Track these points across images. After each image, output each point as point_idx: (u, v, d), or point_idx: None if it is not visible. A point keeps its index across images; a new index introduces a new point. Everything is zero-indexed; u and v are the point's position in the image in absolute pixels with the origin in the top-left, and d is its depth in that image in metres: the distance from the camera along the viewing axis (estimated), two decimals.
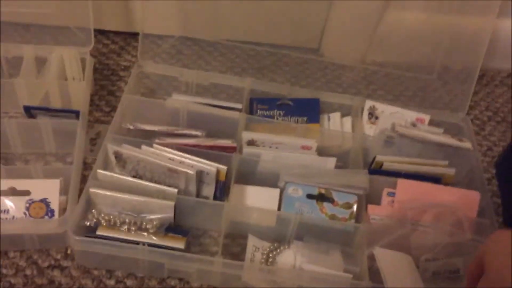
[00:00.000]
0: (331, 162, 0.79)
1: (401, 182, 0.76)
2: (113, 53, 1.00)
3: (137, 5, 0.98)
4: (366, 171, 0.76)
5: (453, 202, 0.74)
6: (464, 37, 0.96)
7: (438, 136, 0.83)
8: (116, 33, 1.03)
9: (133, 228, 0.69)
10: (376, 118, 0.89)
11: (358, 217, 0.74)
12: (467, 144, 0.83)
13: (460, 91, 0.96)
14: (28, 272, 0.68)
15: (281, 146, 0.81)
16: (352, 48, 1.04)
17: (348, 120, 0.90)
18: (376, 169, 0.80)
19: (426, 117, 0.88)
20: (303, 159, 0.78)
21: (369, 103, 0.90)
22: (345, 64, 1.02)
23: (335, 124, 0.89)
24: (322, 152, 0.82)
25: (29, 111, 0.79)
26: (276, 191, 0.77)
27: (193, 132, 0.81)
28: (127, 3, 0.98)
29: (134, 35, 1.03)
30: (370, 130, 0.88)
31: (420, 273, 0.70)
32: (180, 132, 0.81)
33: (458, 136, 0.86)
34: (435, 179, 0.79)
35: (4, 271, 0.68)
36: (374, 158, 0.81)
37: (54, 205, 0.69)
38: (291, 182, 0.75)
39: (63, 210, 0.70)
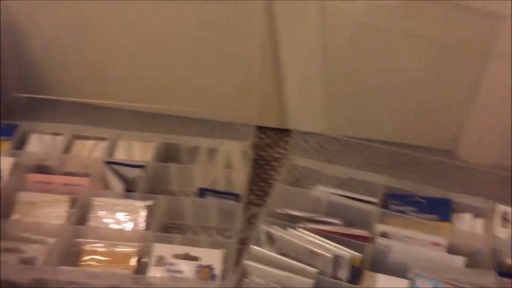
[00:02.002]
0: (460, 260, 0.84)
1: None
2: (266, 146, 1.18)
3: (290, 106, 1.16)
4: (495, 273, 0.80)
5: None
6: None
7: None
8: (269, 128, 1.21)
9: None
10: (510, 222, 0.93)
11: None
12: None
13: None
14: None
15: (411, 241, 0.89)
16: (488, 152, 1.08)
17: (479, 222, 0.95)
18: (505, 272, 0.83)
19: None
20: (433, 255, 0.85)
21: (502, 208, 0.94)
22: (480, 168, 1.07)
23: (466, 224, 0.95)
24: (451, 250, 0.88)
25: (202, 192, 0.98)
26: (404, 282, 0.84)
27: (332, 220, 0.93)
28: (281, 104, 1.17)
29: (284, 131, 1.21)
30: (502, 233, 0.92)
31: None
32: (320, 219, 0.93)
33: None
34: None
35: None
36: (504, 261, 0.84)
37: (217, 271, 0.85)
38: (420, 274, 0.82)
39: (223, 276, 0.85)
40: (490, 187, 1.04)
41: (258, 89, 1.05)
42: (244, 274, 0.86)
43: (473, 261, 0.89)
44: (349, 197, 0.97)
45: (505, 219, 0.94)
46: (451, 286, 0.80)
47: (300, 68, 1.08)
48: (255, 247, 0.87)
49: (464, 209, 0.97)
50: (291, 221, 0.92)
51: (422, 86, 1.03)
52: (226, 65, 1.08)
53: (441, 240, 0.87)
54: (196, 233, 0.98)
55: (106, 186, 1.01)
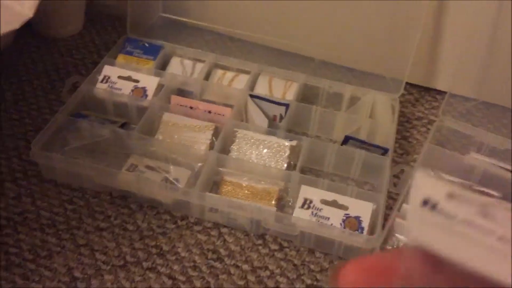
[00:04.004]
0: None
1: None
2: (408, 102, 1.11)
3: (443, 65, 1.08)
4: None
5: None
6: None
7: None
8: (412, 85, 1.14)
9: None
10: None
11: None
12: None
13: None
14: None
15: None
16: None
17: None
18: None
19: None
20: None
21: None
22: None
23: None
24: None
25: (347, 140, 0.93)
26: None
27: (491, 192, 0.86)
28: (432, 62, 1.08)
29: (427, 89, 1.13)
30: None
31: None
32: (477, 188, 0.86)
33: None
34: None
35: (312, 266, 0.82)
36: None
37: (365, 224, 0.80)
38: None
39: (369, 231, 0.81)
40: None
41: (416, 43, 0.97)
42: (390, 231, 0.81)
43: None
44: (509, 170, 0.88)
45: None
46: None
47: (464, 29, 1.00)
48: (406, 205, 0.82)
49: None
50: None
51: None
52: (386, 14, 1.00)
53: None
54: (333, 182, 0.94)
55: (247, 120, 0.99)
